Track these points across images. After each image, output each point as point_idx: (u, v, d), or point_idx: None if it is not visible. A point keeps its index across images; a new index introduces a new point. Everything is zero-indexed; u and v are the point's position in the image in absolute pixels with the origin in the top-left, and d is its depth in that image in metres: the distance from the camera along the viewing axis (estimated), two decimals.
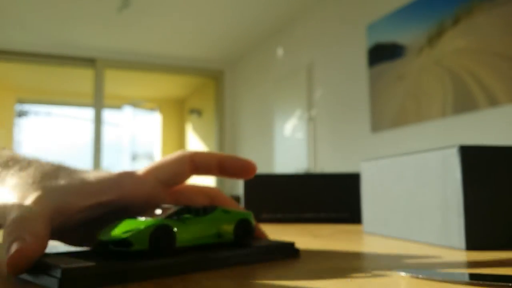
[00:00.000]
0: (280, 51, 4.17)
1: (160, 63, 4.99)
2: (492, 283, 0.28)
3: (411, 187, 0.56)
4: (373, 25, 2.90)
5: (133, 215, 0.33)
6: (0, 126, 5.67)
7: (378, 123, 2.81)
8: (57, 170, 0.33)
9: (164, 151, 6.72)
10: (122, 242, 0.29)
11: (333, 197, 0.88)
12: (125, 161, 6.46)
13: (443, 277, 0.31)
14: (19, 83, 5.87)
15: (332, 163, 3.29)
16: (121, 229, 0.30)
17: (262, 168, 3.89)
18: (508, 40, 2.02)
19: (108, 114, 5.93)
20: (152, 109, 6.79)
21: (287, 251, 0.37)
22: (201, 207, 0.35)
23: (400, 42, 2.66)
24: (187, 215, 0.33)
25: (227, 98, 5.26)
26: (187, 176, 0.37)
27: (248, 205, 0.92)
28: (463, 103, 2.21)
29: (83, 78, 5.18)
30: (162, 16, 3.92)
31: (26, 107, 6.05)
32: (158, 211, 0.33)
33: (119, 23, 4.06)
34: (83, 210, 0.32)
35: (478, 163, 0.48)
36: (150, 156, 6.75)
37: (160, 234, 0.30)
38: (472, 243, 0.46)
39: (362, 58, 3.01)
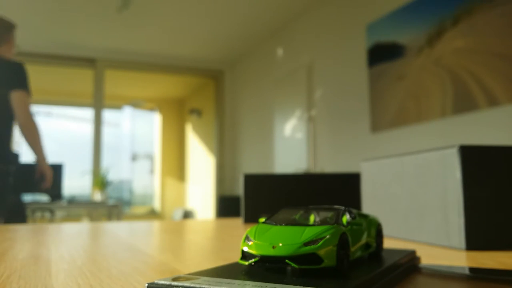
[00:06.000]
0: (280, 51, 4.17)
1: (160, 63, 4.99)
2: (491, 276, 0.28)
3: (411, 187, 0.56)
4: (373, 25, 2.89)
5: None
6: None
7: (378, 123, 2.81)
8: None
9: (164, 151, 6.72)
10: (307, 258, 0.22)
11: (333, 197, 0.88)
12: (125, 161, 6.46)
13: (444, 269, 0.31)
14: None
15: (332, 163, 3.29)
16: (286, 239, 0.23)
17: (262, 168, 3.88)
18: (507, 40, 2.02)
19: (108, 114, 5.92)
20: (152, 109, 6.78)
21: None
22: (356, 210, 0.28)
23: (400, 42, 2.65)
24: (355, 220, 0.27)
25: (227, 98, 5.25)
26: None
27: (248, 205, 0.92)
28: (463, 103, 2.21)
29: (83, 78, 5.18)
30: (162, 17, 3.92)
31: None
32: (301, 214, 0.27)
33: (119, 23, 4.06)
34: None
35: (478, 163, 0.47)
36: (150, 156, 6.74)
37: (346, 245, 0.23)
38: (472, 243, 0.46)
39: (362, 58, 3.01)
